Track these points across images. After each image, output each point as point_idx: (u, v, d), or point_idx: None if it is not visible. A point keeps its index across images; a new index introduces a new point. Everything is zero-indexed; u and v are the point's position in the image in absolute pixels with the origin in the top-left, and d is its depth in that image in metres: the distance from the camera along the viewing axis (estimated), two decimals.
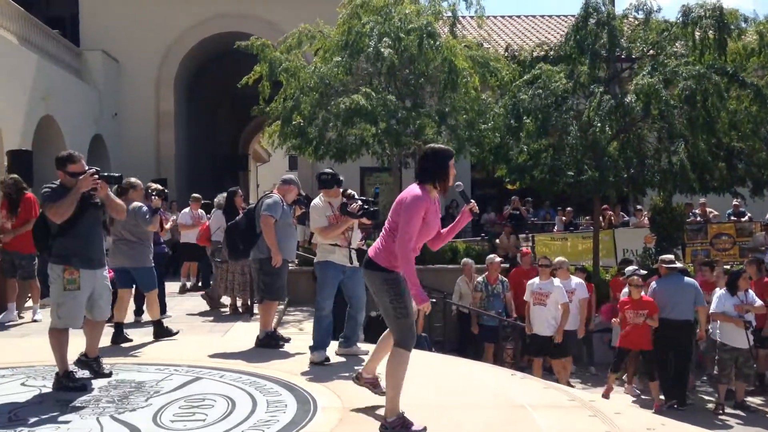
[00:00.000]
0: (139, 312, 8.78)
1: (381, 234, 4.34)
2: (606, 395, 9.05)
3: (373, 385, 4.69)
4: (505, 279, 11.24)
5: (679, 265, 10.02)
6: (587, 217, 17.61)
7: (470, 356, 9.67)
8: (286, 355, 6.43)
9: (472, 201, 4.44)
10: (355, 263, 6.19)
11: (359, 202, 6.08)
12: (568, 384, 8.93)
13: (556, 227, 17.00)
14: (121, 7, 20.00)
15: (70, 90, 16.83)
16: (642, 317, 9.13)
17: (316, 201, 6.31)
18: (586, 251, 14.72)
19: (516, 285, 11.26)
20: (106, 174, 5.24)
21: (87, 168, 5.15)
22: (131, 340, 7.04)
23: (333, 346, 6.25)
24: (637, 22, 13.74)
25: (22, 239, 8.10)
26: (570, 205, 17.29)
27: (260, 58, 13.47)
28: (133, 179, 7.34)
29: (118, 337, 6.98)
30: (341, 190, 6.38)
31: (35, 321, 8.56)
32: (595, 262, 13.56)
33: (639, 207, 17.04)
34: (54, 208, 4.97)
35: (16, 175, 8.83)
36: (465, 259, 11.92)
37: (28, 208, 8.29)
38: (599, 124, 11.88)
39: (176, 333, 7.34)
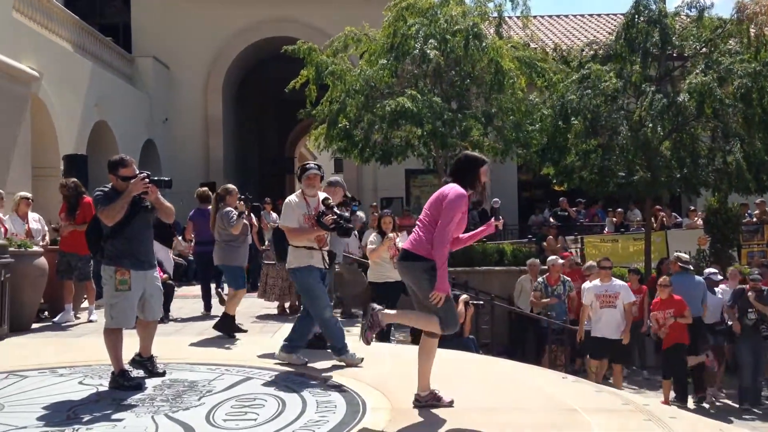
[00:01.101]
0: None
1: (416, 228, 4.52)
2: (666, 403, 8.90)
3: (437, 399, 4.61)
4: (568, 279, 11.05)
5: (691, 267, 10.46)
6: (638, 219, 17.28)
7: (519, 359, 9.57)
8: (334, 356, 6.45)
9: (501, 219, 4.80)
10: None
11: (334, 216, 5.84)
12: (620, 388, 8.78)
13: (606, 228, 16.72)
14: (172, 15, 20.43)
15: (122, 96, 17.25)
16: (671, 318, 9.09)
17: (292, 197, 6.05)
18: (637, 253, 14.44)
19: None
20: (156, 178, 5.33)
21: (138, 172, 5.26)
22: (245, 331, 7.70)
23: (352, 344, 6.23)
24: (689, 20, 13.45)
25: (79, 241, 8.30)
26: (621, 206, 17.00)
27: (307, 62, 13.58)
28: (229, 186, 8.20)
29: (230, 327, 7.57)
30: (323, 196, 6.05)
31: (91, 321, 8.76)
32: (647, 264, 13.29)
33: (692, 208, 16.65)
34: (106, 211, 5.09)
35: (75, 179, 9.09)
36: (531, 259, 11.81)
37: (86, 211, 8.49)
38: (651, 124, 11.64)
39: (245, 330, 7.74)
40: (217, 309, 9.98)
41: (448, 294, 4.36)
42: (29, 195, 9.16)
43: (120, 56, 18.50)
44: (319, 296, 5.95)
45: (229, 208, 7.79)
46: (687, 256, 10.64)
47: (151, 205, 5.33)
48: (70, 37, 15.10)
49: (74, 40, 15.32)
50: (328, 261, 6.06)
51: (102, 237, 5.24)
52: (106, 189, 5.23)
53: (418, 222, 4.53)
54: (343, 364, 5.88)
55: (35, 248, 8.39)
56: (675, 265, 10.21)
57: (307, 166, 6.14)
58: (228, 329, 7.53)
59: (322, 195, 6.07)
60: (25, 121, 9.90)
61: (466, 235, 4.70)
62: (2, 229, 8.39)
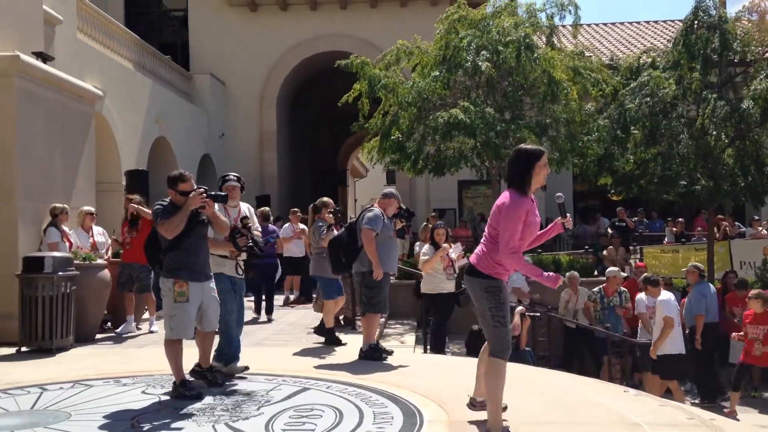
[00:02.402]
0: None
1: (482, 241, 4.37)
2: (731, 415, 8.59)
3: None
4: (625, 290, 10.83)
5: (706, 275, 10.67)
6: (699, 228, 16.79)
7: (575, 371, 9.38)
8: (390, 368, 6.45)
9: (569, 216, 4.46)
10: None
11: (249, 242, 5.81)
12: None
13: (666, 239, 16.29)
14: (227, 34, 20.91)
15: (181, 112, 17.68)
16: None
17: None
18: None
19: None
20: (213, 193, 5.47)
21: (196, 187, 5.39)
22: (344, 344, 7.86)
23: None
24: (750, 24, 13.07)
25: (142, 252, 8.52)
26: (680, 215, 16.58)
27: (360, 76, 13.66)
28: (325, 198, 8.58)
29: (331, 339, 7.97)
30: (243, 212, 6.10)
31: (152, 332, 8.97)
32: (710, 275, 12.87)
33: (756, 217, 16.11)
34: (165, 225, 5.22)
35: (138, 196, 9.40)
36: (570, 272, 11.63)
37: (149, 225, 8.72)
38: (714, 132, 11.33)
39: (344, 344, 7.88)
40: (277, 322, 10.27)
41: (559, 278, 4.32)
42: (93, 209, 9.45)
43: (179, 74, 18.98)
44: (229, 308, 5.91)
45: (321, 222, 8.19)
46: (702, 266, 10.81)
47: (207, 218, 5.45)
48: (131, 56, 15.58)
49: (135, 59, 15.80)
50: (243, 269, 6.06)
51: (160, 250, 5.38)
52: (164, 203, 5.38)
53: (484, 234, 4.38)
54: (402, 375, 5.85)
55: (99, 261, 8.64)
56: (694, 275, 10.16)
57: (227, 177, 6.24)
58: (337, 342, 7.94)
59: (244, 207, 6.15)
60: (89, 138, 10.22)
61: (539, 232, 4.43)
62: (68, 243, 8.67)
